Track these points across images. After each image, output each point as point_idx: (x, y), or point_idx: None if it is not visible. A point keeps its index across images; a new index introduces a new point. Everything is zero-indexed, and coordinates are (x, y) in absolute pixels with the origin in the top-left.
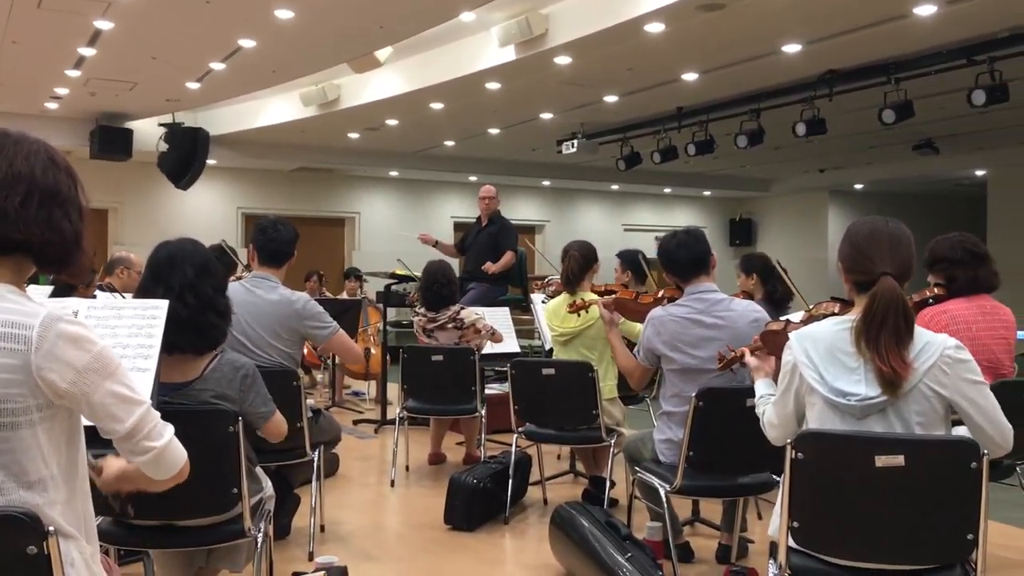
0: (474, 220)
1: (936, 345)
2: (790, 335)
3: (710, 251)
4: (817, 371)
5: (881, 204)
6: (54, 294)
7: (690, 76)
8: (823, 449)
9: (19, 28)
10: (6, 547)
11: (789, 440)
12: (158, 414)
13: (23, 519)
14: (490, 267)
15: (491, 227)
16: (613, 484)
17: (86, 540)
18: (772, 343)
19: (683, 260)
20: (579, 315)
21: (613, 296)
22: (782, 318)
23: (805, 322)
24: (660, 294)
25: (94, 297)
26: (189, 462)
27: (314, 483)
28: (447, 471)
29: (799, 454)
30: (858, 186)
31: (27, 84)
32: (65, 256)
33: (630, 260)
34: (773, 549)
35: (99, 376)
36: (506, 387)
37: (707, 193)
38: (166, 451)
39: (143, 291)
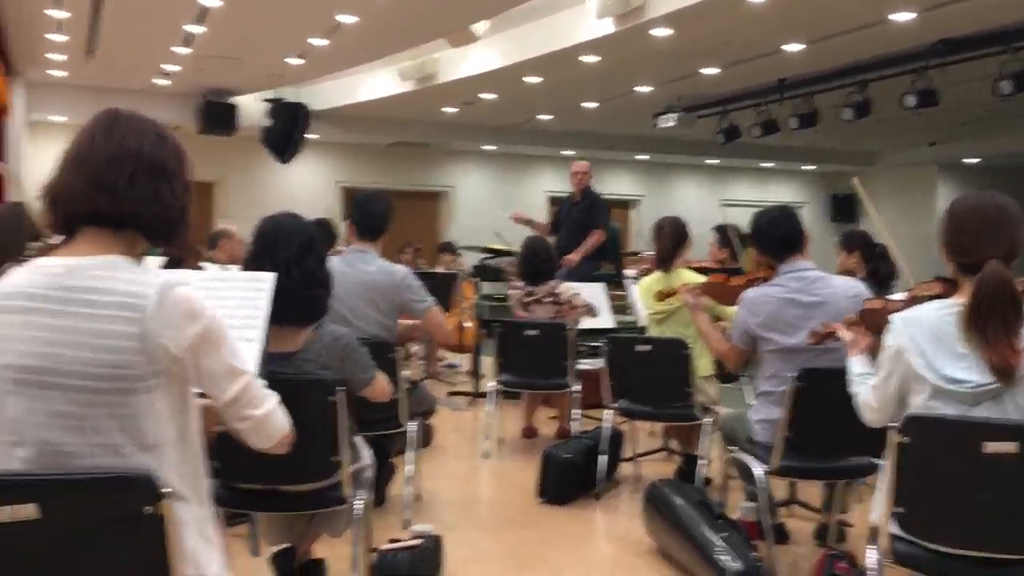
0: (567, 195)
1: None
2: (893, 318)
3: (803, 228)
4: (924, 357)
5: (994, 179)
6: (166, 266)
7: (793, 47)
8: (930, 434)
9: (130, 6)
10: (125, 507)
11: (895, 424)
12: (262, 383)
13: (142, 480)
14: (570, 260)
15: (583, 203)
16: (707, 462)
17: (199, 503)
18: (870, 322)
19: (775, 239)
20: (666, 300)
21: (702, 283)
22: (880, 298)
23: (907, 303)
24: (753, 275)
25: (202, 270)
26: (293, 432)
27: (410, 453)
28: (539, 445)
29: (905, 438)
30: (970, 160)
31: (138, 61)
32: (171, 230)
33: (727, 237)
34: (874, 534)
35: (208, 344)
36: (600, 362)
37: (809, 167)
38: (267, 420)
39: (250, 264)
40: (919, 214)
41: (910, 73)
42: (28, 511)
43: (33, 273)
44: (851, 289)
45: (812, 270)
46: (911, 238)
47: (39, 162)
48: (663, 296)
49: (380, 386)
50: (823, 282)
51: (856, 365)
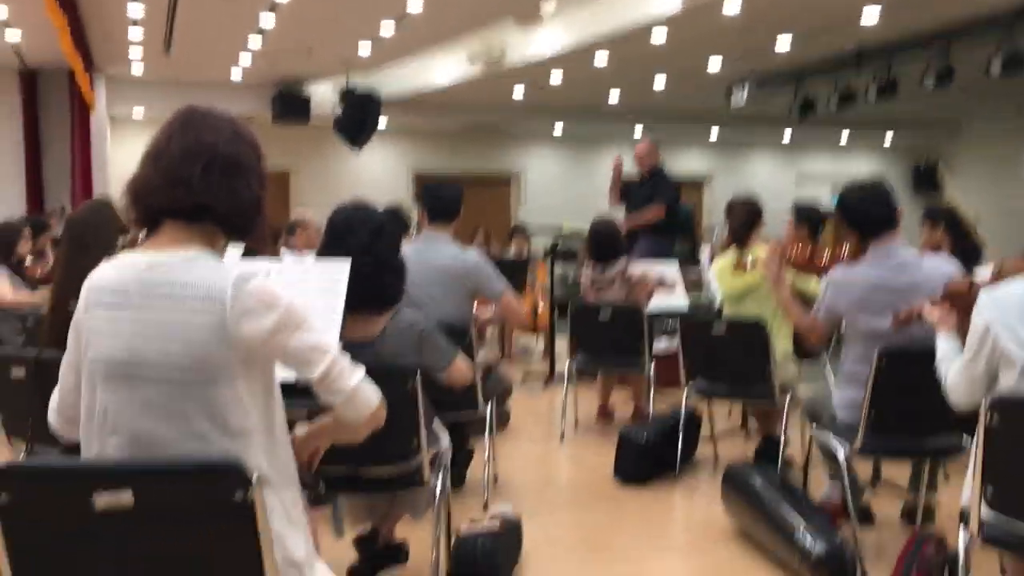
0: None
1: None
2: (981, 295)
3: (897, 206)
4: (1015, 336)
5: None
6: (244, 256)
7: (871, 15)
8: (1019, 415)
9: (204, 1)
10: (215, 493)
11: (984, 404)
12: (347, 357)
13: (231, 467)
14: (626, 223)
15: (649, 181)
16: (788, 442)
17: (285, 487)
18: (957, 301)
19: (868, 216)
20: (747, 271)
21: (785, 255)
22: (966, 278)
23: (994, 279)
24: (840, 252)
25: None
26: (384, 405)
27: (487, 436)
28: (615, 426)
29: (995, 419)
30: None
31: (214, 53)
32: (245, 222)
33: (806, 214)
34: (965, 516)
35: (289, 328)
36: (675, 342)
37: (889, 139)
38: (359, 391)
39: (323, 251)
40: (1007, 185)
41: (995, 38)
42: (124, 498)
43: (117, 269)
44: (944, 271)
45: (904, 251)
46: (1000, 210)
47: (120, 157)
48: (741, 266)
49: (459, 369)
50: (915, 266)
51: (943, 343)
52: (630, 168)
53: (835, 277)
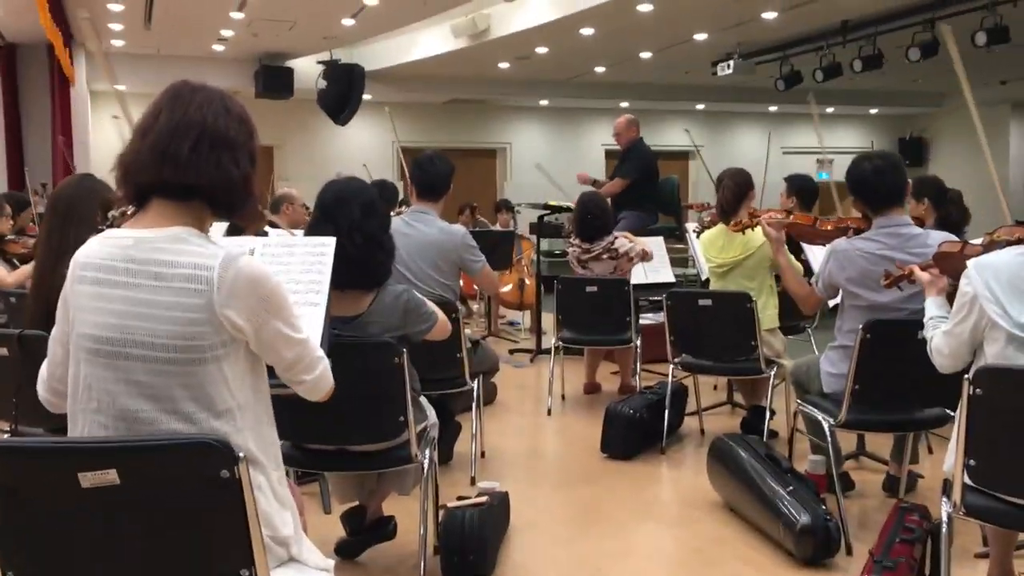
0: None
1: None
2: (969, 264)
3: (907, 180)
4: (1000, 304)
5: None
6: (228, 232)
7: None
8: (1004, 385)
9: None
10: (202, 472)
11: (967, 375)
12: (314, 347)
13: (217, 446)
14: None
15: (623, 155)
16: (773, 414)
17: (271, 465)
18: (947, 265)
19: (879, 189)
20: (743, 235)
21: (788, 219)
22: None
23: (985, 248)
24: (844, 221)
25: (265, 235)
26: (356, 392)
27: (474, 411)
28: (602, 400)
29: (977, 390)
30: None
31: (196, 27)
32: (233, 199)
33: (798, 185)
34: (947, 487)
35: (269, 314)
36: (661, 317)
37: (874, 111)
38: (318, 383)
39: (313, 229)
40: (991, 155)
41: (981, 9)
42: (109, 476)
43: (104, 245)
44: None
45: (909, 225)
46: (983, 181)
47: (102, 132)
48: (740, 227)
49: (440, 326)
50: (920, 240)
51: (932, 308)
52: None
53: (838, 248)
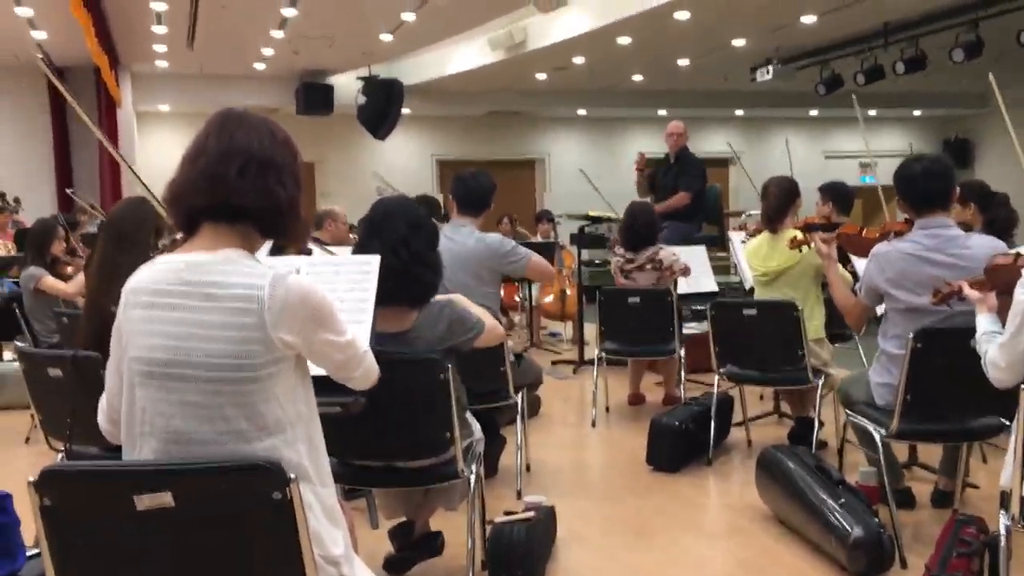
0: (663, 155)
1: None
2: None
3: (955, 185)
4: None
5: None
6: (272, 252)
7: None
8: None
9: None
10: (254, 492)
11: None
12: (360, 344)
13: (269, 468)
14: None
15: (675, 166)
16: (822, 425)
17: (321, 482)
18: (999, 278)
19: (926, 192)
20: (799, 250)
21: (836, 231)
22: (1012, 251)
23: None
24: (889, 227)
25: (309, 252)
26: (402, 408)
27: (519, 424)
28: (647, 412)
29: None
30: None
31: (237, 46)
32: (280, 222)
33: (833, 191)
34: (1005, 499)
35: (317, 325)
36: (705, 326)
37: (917, 113)
38: (368, 374)
39: (361, 246)
40: None
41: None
42: (165, 499)
43: (155, 270)
44: (992, 250)
45: (950, 227)
46: None
47: (148, 152)
48: (797, 244)
49: (489, 332)
50: (959, 242)
51: (984, 323)
52: (657, 150)
53: (878, 251)
